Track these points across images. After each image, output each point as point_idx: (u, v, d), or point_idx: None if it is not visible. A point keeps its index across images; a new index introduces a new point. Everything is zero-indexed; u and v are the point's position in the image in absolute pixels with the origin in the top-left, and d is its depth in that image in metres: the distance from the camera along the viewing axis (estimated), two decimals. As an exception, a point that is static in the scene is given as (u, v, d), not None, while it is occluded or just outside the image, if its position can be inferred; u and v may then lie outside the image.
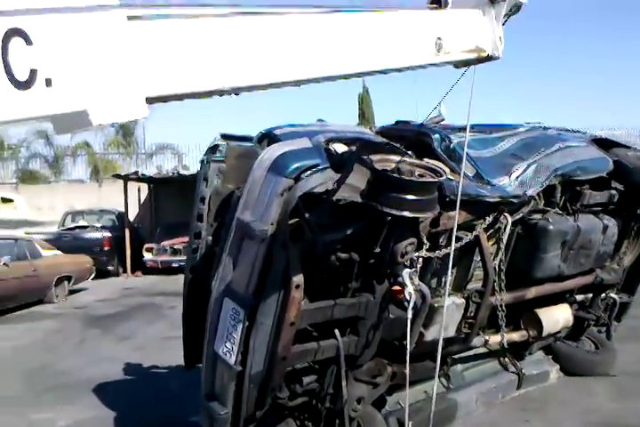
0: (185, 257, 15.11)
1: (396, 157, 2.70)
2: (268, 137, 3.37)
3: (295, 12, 1.94)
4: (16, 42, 1.27)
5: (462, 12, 2.56)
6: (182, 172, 16.98)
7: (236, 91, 1.80)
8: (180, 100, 1.70)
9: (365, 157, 2.61)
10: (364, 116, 26.49)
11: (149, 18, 1.57)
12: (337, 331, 3.02)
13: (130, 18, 1.50)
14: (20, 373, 6.46)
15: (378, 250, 2.81)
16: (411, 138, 3.71)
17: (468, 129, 3.05)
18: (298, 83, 2.00)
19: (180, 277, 13.80)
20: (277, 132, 3.34)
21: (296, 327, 2.82)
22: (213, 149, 3.73)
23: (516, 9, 2.67)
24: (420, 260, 2.94)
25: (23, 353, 7.43)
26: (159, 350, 7.17)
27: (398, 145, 3.24)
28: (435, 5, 2.58)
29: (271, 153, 2.93)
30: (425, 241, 2.90)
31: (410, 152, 3.07)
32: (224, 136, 3.81)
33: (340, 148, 2.92)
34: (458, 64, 2.65)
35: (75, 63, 1.39)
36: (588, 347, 4.97)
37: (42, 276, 10.89)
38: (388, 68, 2.30)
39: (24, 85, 1.29)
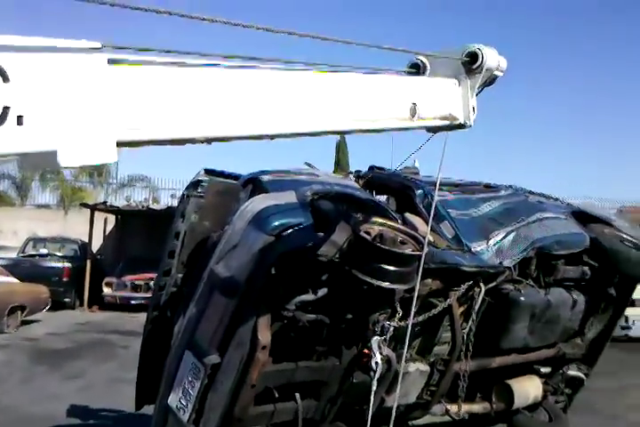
0: (145, 294, 14.85)
1: (381, 220, 2.65)
2: (253, 183, 3.26)
3: (268, 68, 1.96)
4: None
5: (438, 80, 2.62)
6: (152, 206, 16.90)
7: (208, 140, 1.80)
8: (149, 145, 1.69)
9: (350, 216, 2.58)
10: (339, 163, 26.94)
11: (129, 63, 1.58)
12: (298, 395, 2.93)
13: (110, 61, 1.51)
14: (-39, 406, 6.19)
15: (349, 316, 2.75)
16: (393, 188, 3.70)
17: (436, 193, 3.01)
18: (270, 137, 2.00)
19: (138, 316, 13.58)
20: (263, 178, 3.23)
21: (256, 389, 2.73)
22: (195, 184, 3.64)
23: (490, 81, 2.72)
24: (391, 328, 2.84)
25: (-35, 385, 7.14)
26: (107, 391, 6.97)
27: (383, 204, 3.21)
28: (413, 70, 2.65)
29: (254, 205, 2.86)
30: (398, 309, 2.82)
31: (394, 214, 3.03)
32: (207, 171, 3.72)
33: (326, 204, 2.87)
34: (431, 129, 2.68)
35: (49, 103, 1.38)
36: (543, 418, 4.93)
37: (-6, 303, 10.53)
38: (361, 129, 2.32)
39: None
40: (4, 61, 1.28)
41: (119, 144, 1.53)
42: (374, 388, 2.68)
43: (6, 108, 1.29)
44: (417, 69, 2.65)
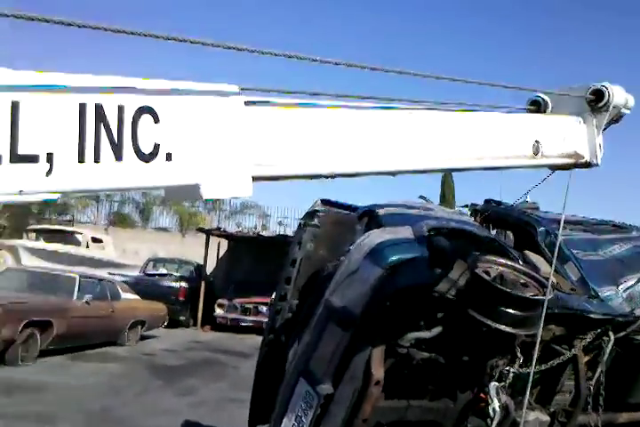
0: (253, 317, 15.21)
1: (501, 259, 2.55)
2: (369, 216, 3.29)
3: (398, 108, 2.02)
4: (146, 119, 1.41)
5: (562, 117, 2.55)
6: (262, 233, 17.45)
7: (334, 176, 1.88)
8: (281, 180, 1.80)
9: (468, 253, 2.51)
10: (445, 197, 26.36)
11: (263, 104, 1.68)
12: None
13: (247, 103, 1.62)
14: (81, 413, 6.58)
15: (465, 357, 2.66)
16: (512, 224, 3.56)
17: (560, 231, 2.88)
18: (392, 173, 2.06)
19: (247, 337, 13.81)
20: (380, 212, 3.25)
21: (368, 424, 2.69)
22: (312, 214, 3.74)
23: (617, 119, 2.61)
24: (511, 375, 2.71)
25: (87, 394, 7.58)
26: (218, 409, 7.15)
27: (502, 241, 3.10)
28: (534, 107, 2.60)
29: (371, 239, 2.87)
30: (518, 355, 2.69)
31: (515, 253, 2.92)
32: (324, 202, 3.82)
33: (443, 240, 2.81)
34: (555, 167, 2.60)
35: (193, 141, 1.51)
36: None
37: (118, 318, 11.19)
38: (484, 166, 2.30)
39: (147, 158, 1.41)
40: (156, 104, 1.43)
41: (255, 179, 1.63)
42: None
43: (157, 146, 1.43)
44: (537, 107, 2.60)
